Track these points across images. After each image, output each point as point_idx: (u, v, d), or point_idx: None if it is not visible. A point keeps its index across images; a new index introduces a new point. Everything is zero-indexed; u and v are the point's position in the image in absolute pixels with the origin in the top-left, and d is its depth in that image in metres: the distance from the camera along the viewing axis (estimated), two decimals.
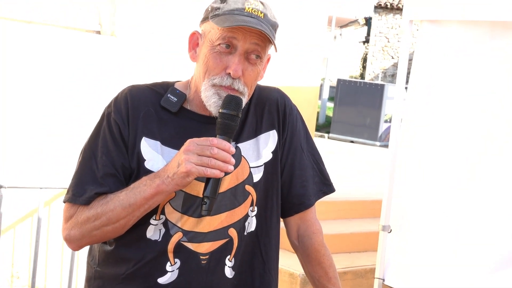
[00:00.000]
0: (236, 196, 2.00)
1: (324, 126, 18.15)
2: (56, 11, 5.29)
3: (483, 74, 3.68)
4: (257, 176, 2.04)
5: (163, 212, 1.95)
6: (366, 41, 27.79)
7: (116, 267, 1.98)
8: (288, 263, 5.23)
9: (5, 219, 3.93)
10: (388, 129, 14.51)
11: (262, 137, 2.08)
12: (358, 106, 15.09)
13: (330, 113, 18.38)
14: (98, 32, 5.52)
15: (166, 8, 5.62)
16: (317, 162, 2.21)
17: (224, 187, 1.96)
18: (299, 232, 2.21)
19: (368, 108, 14.99)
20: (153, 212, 1.93)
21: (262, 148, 2.07)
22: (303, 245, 2.21)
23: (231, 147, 1.83)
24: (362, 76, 27.53)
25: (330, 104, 19.93)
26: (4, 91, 4.94)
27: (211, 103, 1.92)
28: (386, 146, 13.37)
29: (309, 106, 6.64)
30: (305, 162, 2.17)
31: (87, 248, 2.09)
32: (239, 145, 2.02)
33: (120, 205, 1.88)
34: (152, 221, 1.95)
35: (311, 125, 6.74)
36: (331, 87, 21.27)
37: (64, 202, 1.99)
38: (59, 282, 5.22)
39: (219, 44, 1.92)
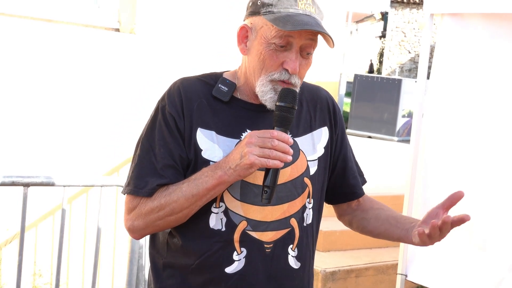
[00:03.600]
0: (296, 187, 2.09)
1: None
2: (75, 9, 5.31)
3: (505, 69, 3.65)
4: (313, 169, 2.14)
5: (222, 200, 2.02)
6: (383, 36, 27.69)
7: (185, 258, 2.05)
8: None
9: (28, 218, 3.94)
10: (405, 124, 14.45)
11: (316, 132, 2.18)
12: (375, 101, 15.02)
13: (347, 109, 18.33)
14: (117, 30, 5.53)
15: (186, 4, 5.63)
16: (354, 156, 2.38)
17: (285, 178, 2.05)
18: (353, 209, 2.36)
19: (386, 103, 14.92)
20: (213, 201, 2.00)
21: (316, 143, 2.17)
22: (362, 211, 2.34)
23: (289, 138, 1.92)
24: (379, 71, 27.43)
25: (347, 100, 19.88)
26: (26, 89, 4.96)
27: (268, 98, 2.00)
28: (404, 141, 13.32)
29: None
30: (352, 156, 2.33)
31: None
32: (297, 139, 2.11)
33: (183, 196, 1.96)
34: (213, 209, 2.02)
35: None
36: (348, 82, 21.20)
37: (125, 194, 2.06)
38: (82, 280, 5.25)
39: (274, 43, 1.98)
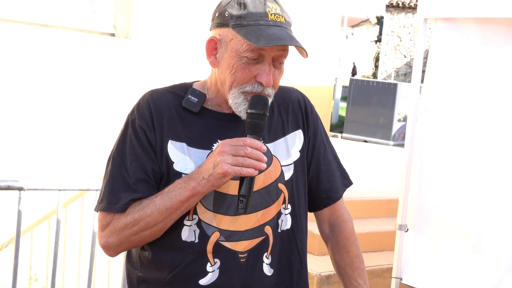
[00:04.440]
0: (270, 194, 2.05)
1: (337, 126, 18.14)
2: (70, 14, 5.32)
3: (499, 73, 3.67)
4: (288, 174, 2.10)
5: (195, 212, 1.98)
6: (378, 40, 27.74)
7: (158, 271, 2.02)
8: None
9: (23, 222, 3.95)
10: (401, 128, 14.48)
11: (290, 136, 2.14)
12: (371, 105, 15.07)
13: (343, 113, 18.35)
14: (113, 35, 5.54)
15: (181, 10, 5.64)
16: (336, 157, 2.30)
17: (258, 185, 2.00)
18: (329, 222, 2.28)
19: (381, 108, 14.96)
20: (185, 213, 1.97)
21: (290, 147, 2.13)
22: (333, 234, 2.27)
23: (263, 145, 1.89)
24: (374, 75, 27.47)
25: (343, 104, 19.91)
26: (22, 94, 4.97)
27: (242, 109, 1.97)
28: (400, 145, 13.34)
29: (323, 105, 6.64)
30: (328, 157, 2.25)
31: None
32: (269, 144, 2.06)
33: (157, 209, 1.92)
34: (186, 222, 1.98)
35: (325, 125, 6.73)
36: (343, 87, 21.24)
37: (98, 211, 2.02)
38: (77, 284, 5.25)
39: (246, 56, 1.94)
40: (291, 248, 2.12)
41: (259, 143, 1.87)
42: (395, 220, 4.11)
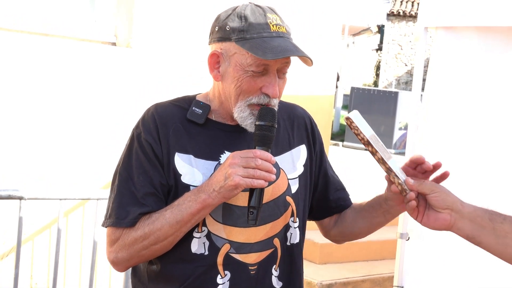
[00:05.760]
0: (279, 206, 2.05)
1: (338, 135, 18.14)
2: (72, 23, 5.33)
3: (499, 81, 3.67)
4: (294, 187, 2.11)
5: (204, 224, 1.98)
6: (379, 48, 27.77)
7: (167, 285, 2.01)
8: (306, 272, 5.24)
9: (24, 231, 3.95)
10: (402, 137, 14.49)
11: (295, 150, 2.16)
12: (372, 114, 15.07)
13: (344, 122, 18.36)
14: (114, 44, 5.55)
15: (182, 19, 5.65)
16: (333, 170, 2.34)
17: (267, 197, 2.00)
18: (334, 220, 2.32)
19: (382, 116, 14.98)
20: (195, 225, 1.96)
21: (296, 161, 2.14)
22: (338, 217, 2.30)
23: (272, 157, 1.90)
24: (375, 83, 27.49)
25: (344, 113, 19.91)
26: (23, 103, 4.97)
27: (248, 123, 1.97)
28: (401, 153, 13.33)
29: (324, 114, 6.64)
30: (332, 170, 2.31)
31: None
32: (276, 157, 2.06)
33: (167, 223, 1.92)
34: (195, 234, 1.98)
35: (326, 134, 6.73)
36: (344, 95, 21.26)
37: (107, 226, 2.01)
38: None
39: (252, 70, 1.94)
40: (297, 261, 2.14)
41: (268, 155, 1.88)
42: (396, 229, 4.10)
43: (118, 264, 2.02)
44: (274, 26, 1.95)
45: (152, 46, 5.52)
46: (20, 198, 3.78)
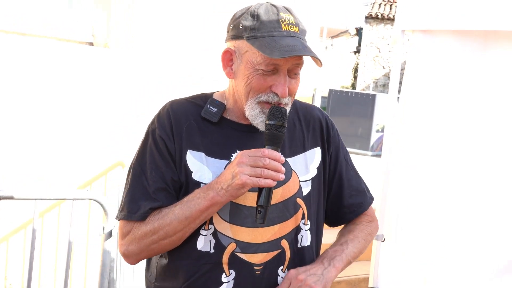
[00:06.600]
0: (288, 208, 2.06)
1: None
2: (49, 23, 5.30)
3: (475, 84, 3.70)
4: (306, 190, 2.11)
5: (211, 222, 2.00)
6: (357, 51, 27.88)
7: (174, 280, 2.04)
8: None
9: None
10: (379, 139, 14.54)
11: (309, 153, 2.16)
12: (350, 116, 15.11)
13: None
14: (91, 44, 5.53)
15: (160, 19, 5.64)
16: (357, 173, 2.33)
17: (276, 199, 2.02)
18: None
19: (360, 118, 15.02)
20: (202, 223, 1.99)
21: (309, 164, 2.14)
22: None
23: (281, 156, 1.90)
24: (353, 86, 27.61)
25: None
26: None
27: (259, 121, 1.99)
28: (378, 155, 13.39)
29: None
30: (350, 173, 2.28)
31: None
32: (289, 159, 2.08)
33: (176, 218, 1.95)
34: (202, 232, 2.01)
35: None
36: (322, 97, 21.31)
37: (119, 219, 2.05)
38: None
39: (262, 68, 1.95)
40: (310, 263, 2.12)
41: (277, 154, 1.89)
42: None
43: (129, 256, 2.05)
44: (286, 25, 1.96)
45: (129, 46, 5.50)
46: None
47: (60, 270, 4.96)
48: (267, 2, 2.02)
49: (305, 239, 2.11)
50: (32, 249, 3.96)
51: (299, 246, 2.10)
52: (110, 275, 4.26)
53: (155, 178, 2.00)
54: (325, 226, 2.28)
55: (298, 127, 2.15)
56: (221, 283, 2.00)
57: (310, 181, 2.13)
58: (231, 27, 2.03)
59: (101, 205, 4.02)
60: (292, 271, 2.03)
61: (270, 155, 1.87)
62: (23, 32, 5.12)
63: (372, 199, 2.34)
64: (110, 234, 4.04)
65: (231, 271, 2.01)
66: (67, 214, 4.45)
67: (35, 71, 5.10)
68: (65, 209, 5.01)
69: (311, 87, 7.02)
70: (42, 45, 5.15)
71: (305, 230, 2.11)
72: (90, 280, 5.16)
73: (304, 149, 2.14)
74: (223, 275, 2.00)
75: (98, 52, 5.43)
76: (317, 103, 19.60)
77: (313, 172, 2.15)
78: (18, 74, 5.03)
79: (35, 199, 3.90)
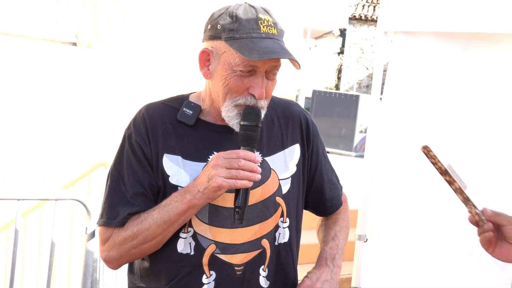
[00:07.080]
0: (268, 207, 2.06)
1: None
2: (33, 23, 5.28)
3: (457, 85, 3.73)
4: (285, 188, 2.11)
5: (190, 225, 2.00)
6: (341, 52, 27.95)
7: (156, 282, 2.05)
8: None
9: None
10: (363, 140, 14.58)
11: (288, 150, 2.14)
12: (333, 117, 15.16)
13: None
14: (74, 44, 5.51)
15: (142, 20, 5.63)
16: (331, 166, 2.33)
17: (255, 199, 2.02)
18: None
19: (343, 119, 15.07)
20: (181, 226, 1.98)
21: (288, 161, 2.13)
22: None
23: (256, 156, 1.90)
24: (337, 87, 27.67)
25: None
26: None
27: (235, 123, 1.97)
28: (361, 156, 13.42)
29: None
30: (327, 167, 2.28)
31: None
32: (268, 158, 2.07)
33: (155, 223, 1.95)
34: (181, 235, 2.00)
35: None
36: (306, 98, 21.34)
37: (99, 225, 2.05)
38: None
39: (240, 70, 1.94)
40: (288, 261, 2.14)
41: (252, 155, 1.88)
42: (354, 231, 4.13)
43: (110, 262, 2.06)
44: (265, 27, 1.95)
45: (113, 47, 5.49)
46: None
47: (42, 271, 4.94)
48: (246, 3, 2.01)
49: (282, 236, 2.11)
50: (15, 250, 3.95)
51: (276, 243, 2.09)
52: (93, 275, 4.25)
53: (133, 183, 2.00)
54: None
55: (276, 124, 2.14)
56: (202, 284, 2.00)
57: (290, 178, 2.12)
58: (208, 27, 2.01)
59: (84, 205, 4.01)
60: (307, 281, 2.05)
61: (245, 156, 1.86)
62: (6, 32, 5.11)
63: (342, 187, 2.36)
64: (93, 235, 4.03)
65: (211, 272, 2.01)
66: (50, 215, 4.44)
67: (17, 71, 5.08)
68: (48, 209, 4.99)
69: (294, 88, 7.04)
70: (25, 45, 5.13)
71: (283, 228, 2.11)
72: (73, 281, 5.14)
73: (283, 147, 2.13)
74: (204, 276, 2.00)
75: (81, 53, 5.42)
76: (301, 104, 19.63)
77: (293, 169, 2.14)
78: (0, 75, 5.01)
79: (18, 200, 3.89)
